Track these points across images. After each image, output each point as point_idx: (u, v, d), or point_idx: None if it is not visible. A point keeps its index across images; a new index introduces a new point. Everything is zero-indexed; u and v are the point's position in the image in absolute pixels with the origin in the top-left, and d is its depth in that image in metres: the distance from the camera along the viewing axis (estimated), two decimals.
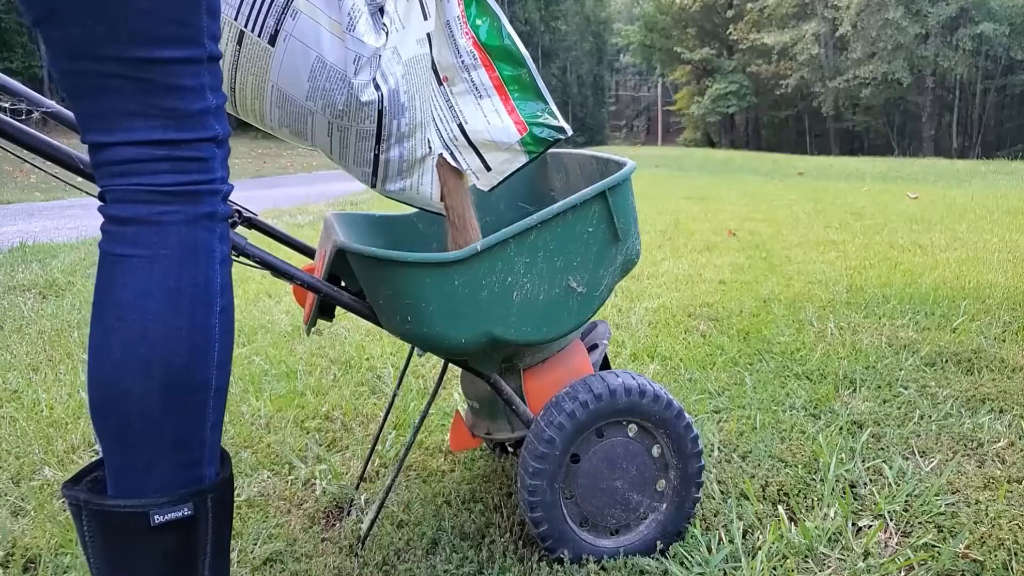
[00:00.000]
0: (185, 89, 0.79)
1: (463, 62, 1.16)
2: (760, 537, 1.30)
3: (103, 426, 0.83)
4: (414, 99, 1.06)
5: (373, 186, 1.13)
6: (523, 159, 1.22)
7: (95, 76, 0.76)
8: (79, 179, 0.97)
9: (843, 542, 1.28)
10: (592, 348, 1.38)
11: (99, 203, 0.83)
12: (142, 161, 0.79)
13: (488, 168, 1.22)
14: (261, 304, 3.05)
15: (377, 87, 1.01)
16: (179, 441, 0.84)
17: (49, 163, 0.96)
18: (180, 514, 0.84)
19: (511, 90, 1.19)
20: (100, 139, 0.79)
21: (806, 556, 1.24)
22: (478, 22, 1.15)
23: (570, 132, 1.23)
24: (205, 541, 0.88)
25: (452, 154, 1.18)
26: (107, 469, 0.85)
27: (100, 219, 0.83)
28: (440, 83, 1.18)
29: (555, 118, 1.21)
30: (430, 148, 1.14)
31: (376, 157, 1.08)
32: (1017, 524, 1.30)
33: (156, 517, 0.83)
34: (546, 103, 1.21)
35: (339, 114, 1.02)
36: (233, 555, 1.27)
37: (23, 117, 1.00)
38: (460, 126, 1.19)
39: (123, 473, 0.84)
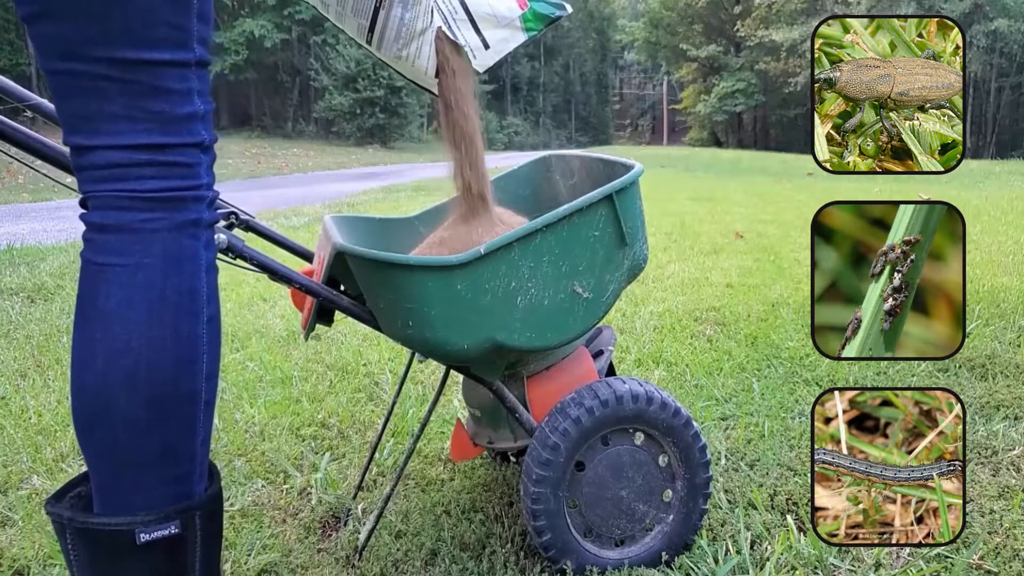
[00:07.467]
0: (173, 92, 0.78)
1: None
2: (768, 547, 1.27)
3: (88, 441, 0.81)
4: None
5: (368, 42, 1.12)
6: (521, 37, 1.20)
7: (84, 76, 0.75)
8: (69, 179, 0.95)
9: (854, 552, 1.25)
10: (597, 354, 1.35)
11: (81, 210, 0.81)
12: (126, 166, 0.77)
13: (486, 46, 1.19)
14: (255, 308, 3.01)
15: None
16: (167, 455, 0.82)
17: (39, 163, 0.94)
18: (167, 532, 0.82)
19: None
20: (84, 142, 0.77)
21: (816, 567, 1.22)
22: None
23: (570, 9, 1.21)
24: (194, 559, 0.86)
25: (451, 28, 1.16)
26: (93, 485, 0.83)
27: None
28: None
29: None
30: (431, 21, 1.13)
31: (376, 10, 1.08)
32: None
33: (142, 536, 0.80)
34: None
35: None
36: (227, 566, 1.25)
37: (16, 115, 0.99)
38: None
39: (109, 489, 0.82)
